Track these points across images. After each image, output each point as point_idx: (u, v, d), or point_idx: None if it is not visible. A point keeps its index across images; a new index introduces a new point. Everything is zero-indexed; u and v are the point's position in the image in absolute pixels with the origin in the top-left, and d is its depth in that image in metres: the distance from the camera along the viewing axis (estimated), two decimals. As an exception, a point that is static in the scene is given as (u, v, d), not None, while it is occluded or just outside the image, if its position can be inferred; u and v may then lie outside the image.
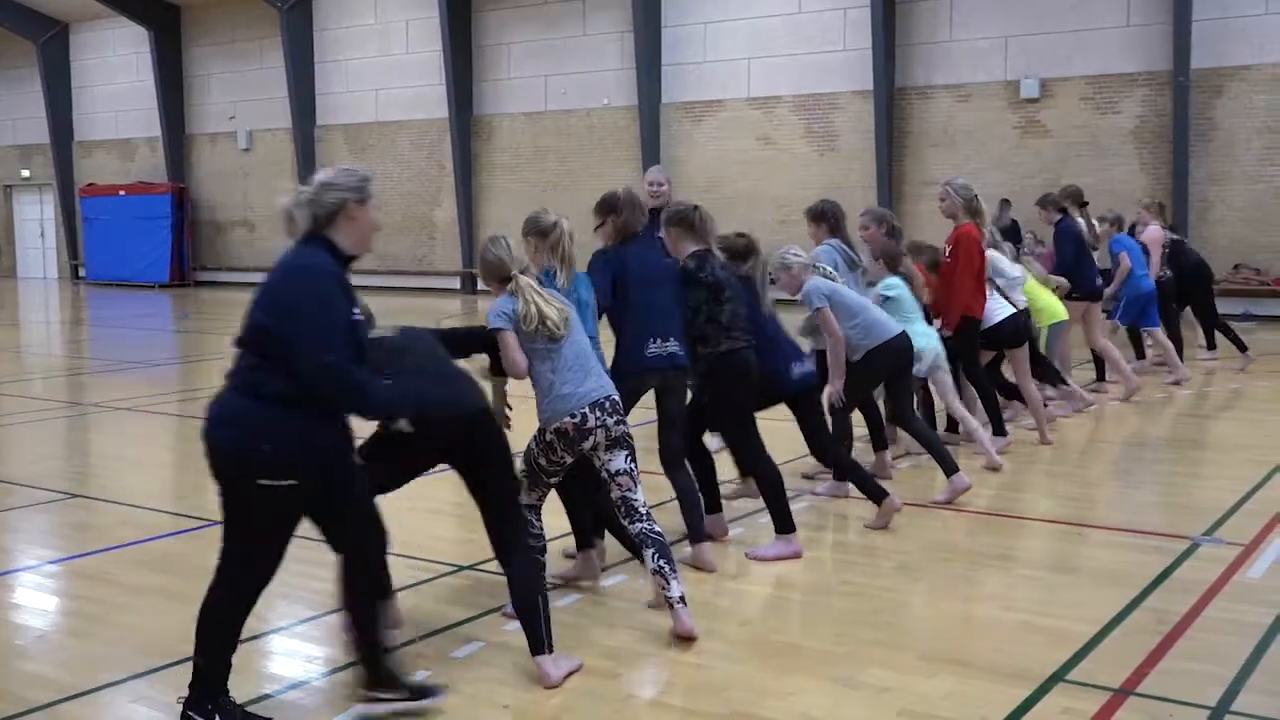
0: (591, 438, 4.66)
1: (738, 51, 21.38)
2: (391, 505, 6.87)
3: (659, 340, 5.56)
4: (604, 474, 4.78)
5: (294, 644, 4.77)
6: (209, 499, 7.13)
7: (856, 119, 20.21)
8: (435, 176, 25.27)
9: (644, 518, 4.76)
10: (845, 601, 5.20)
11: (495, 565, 4.70)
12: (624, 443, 4.74)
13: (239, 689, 3.92)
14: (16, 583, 5.72)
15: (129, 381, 12.83)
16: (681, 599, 4.65)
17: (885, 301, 7.31)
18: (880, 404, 7.53)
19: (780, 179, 20.70)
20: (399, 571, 5.53)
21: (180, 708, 3.84)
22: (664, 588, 4.67)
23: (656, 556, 4.68)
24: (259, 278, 3.99)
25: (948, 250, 7.94)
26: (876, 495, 6.26)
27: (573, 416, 4.61)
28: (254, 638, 4.79)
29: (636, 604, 5.12)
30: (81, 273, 31.38)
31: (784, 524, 5.86)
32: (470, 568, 5.67)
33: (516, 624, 4.49)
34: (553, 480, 4.86)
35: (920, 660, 4.46)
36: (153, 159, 29.98)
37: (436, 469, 4.77)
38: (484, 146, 24.70)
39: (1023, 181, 18.23)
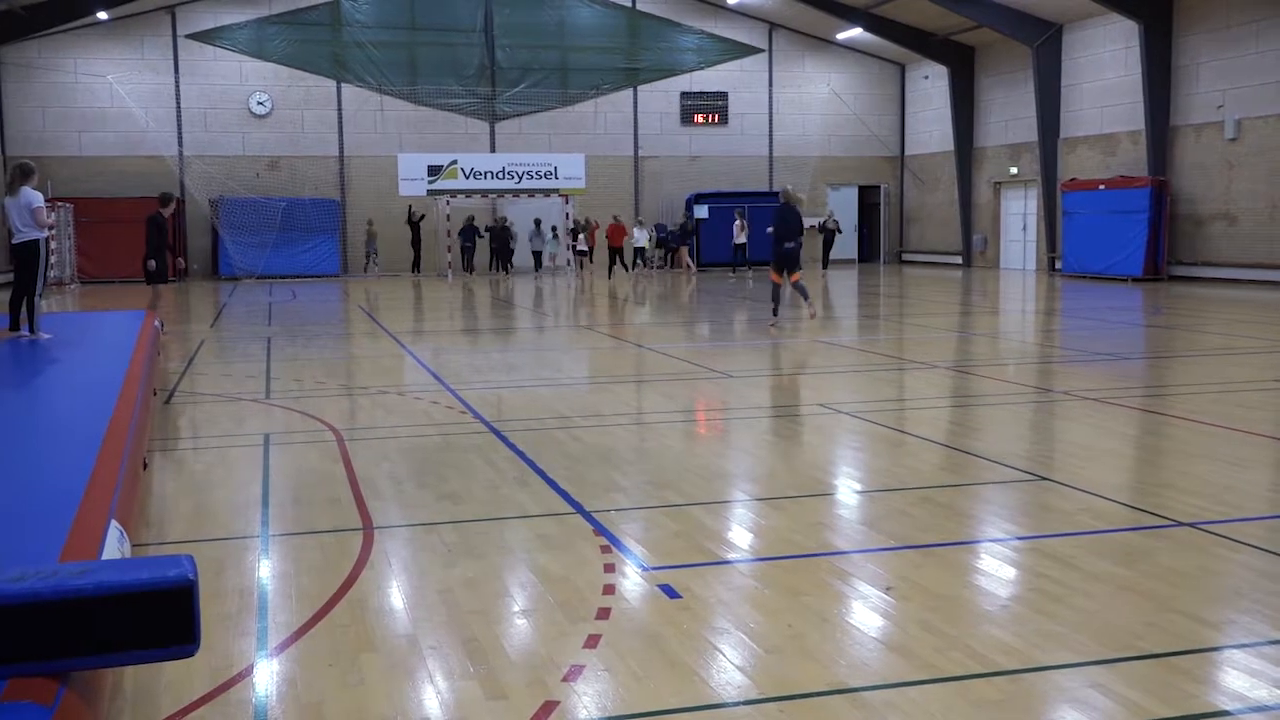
0: None
1: None
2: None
3: None
4: None
5: (1259, 664, 4.47)
6: (1174, 498, 7.02)
7: None
8: None
9: None
10: None
11: None
12: None
13: (1133, 698, 3.75)
14: (985, 552, 6.15)
15: (1096, 373, 13.02)
16: None
17: None
18: None
19: None
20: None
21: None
22: None
23: None
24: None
25: None
26: None
27: None
28: (1209, 649, 4.60)
29: None
30: (1058, 265, 32.53)
31: None
32: None
33: None
34: None
35: None
36: (1134, 152, 29.98)
37: None
38: None
39: None
